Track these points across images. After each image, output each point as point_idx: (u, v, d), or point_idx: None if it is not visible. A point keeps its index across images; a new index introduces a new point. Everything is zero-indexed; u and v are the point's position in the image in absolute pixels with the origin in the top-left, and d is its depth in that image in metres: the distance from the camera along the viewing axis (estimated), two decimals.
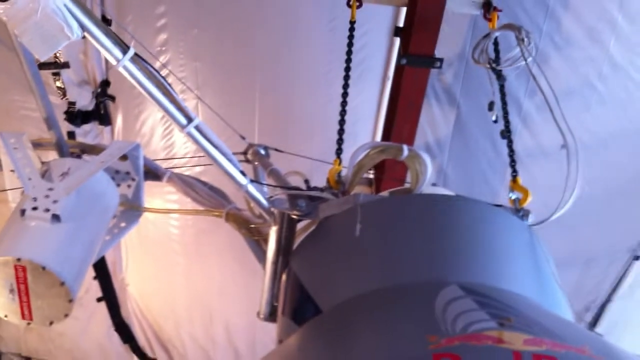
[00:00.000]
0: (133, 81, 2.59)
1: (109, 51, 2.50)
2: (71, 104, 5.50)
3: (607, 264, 7.08)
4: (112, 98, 5.63)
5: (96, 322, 7.39)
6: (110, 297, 7.13)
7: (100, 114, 5.66)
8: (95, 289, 7.07)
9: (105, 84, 5.54)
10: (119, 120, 5.83)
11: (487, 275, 2.52)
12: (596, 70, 5.48)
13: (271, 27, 5.34)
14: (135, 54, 2.56)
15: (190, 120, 2.74)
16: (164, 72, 5.14)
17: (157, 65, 5.09)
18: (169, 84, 2.68)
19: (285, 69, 5.59)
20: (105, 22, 4.99)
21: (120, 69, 2.53)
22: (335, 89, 5.43)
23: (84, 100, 5.58)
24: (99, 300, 7.06)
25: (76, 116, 5.52)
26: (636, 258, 6.98)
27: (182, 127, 2.74)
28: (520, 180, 3.46)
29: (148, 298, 7.35)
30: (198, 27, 5.30)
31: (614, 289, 7.29)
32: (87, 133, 5.75)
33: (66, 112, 5.48)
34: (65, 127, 5.55)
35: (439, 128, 5.83)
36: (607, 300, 7.38)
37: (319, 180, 4.15)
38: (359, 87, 5.30)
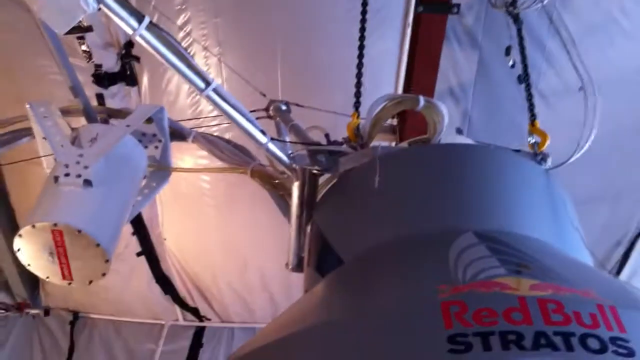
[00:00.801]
0: (150, 49, 2.67)
1: (125, 21, 2.57)
2: (98, 66, 5.60)
3: (637, 199, 7.05)
4: (137, 58, 5.71)
5: (137, 276, 7.65)
6: (149, 251, 7.41)
7: (127, 75, 5.76)
8: (134, 244, 7.34)
9: (129, 45, 5.62)
10: (145, 80, 5.91)
11: (503, 221, 2.59)
12: (619, 5, 5.37)
13: None
14: (151, 22, 2.62)
15: (208, 84, 2.83)
16: (186, 34, 5.32)
17: (179, 23, 5.25)
18: (186, 50, 2.75)
19: (306, 23, 5.58)
20: None
21: (137, 38, 2.61)
22: (355, 39, 5.45)
23: (110, 62, 5.67)
24: (138, 254, 7.34)
25: (103, 78, 5.63)
26: None
27: (201, 90, 2.83)
28: (538, 123, 3.47)
29: (185, 250, 7.57)
30: None
31: None
32: (115, 95, 5.86)
33: (93, 75, 5.59)
34: (93, 89, 5.67)
35: (461, 72, 5.79)
36: (639, 234, 7.38)
37: (342, 131, 4.23)
38: (379, 34, 5.27)
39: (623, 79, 5.82)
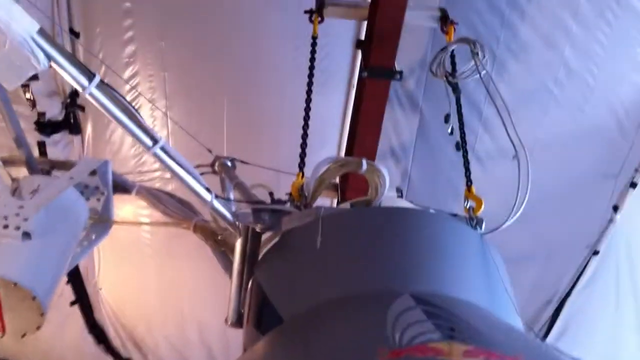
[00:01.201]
0: (99, 106, 2.70)
1: (76, 79, 2.61)
2: (41, 114, 5.55)
3: (567, 258, 7.31)
4: (82, 108, 5.71)
5: (71, 325, 7.46)
6: (83, 300, 7.24)
7: (70, 124, 5.73)
8: (68, 293, 7.16)
9: (75, 94, 5.61)
10: (88, 129, 5.90)
11: (439, 284, 2.69)
12: (552, 75, 5.69)
13: (238, 39, 5.46)
14: (101, 81, 2.66)
15: (155, 142, 2.87)
16: (132, 92, 5.36)
17: (127, 76, 5.30)
18: (135, 108, 2.80)
19: (253, 79, 5.71)
20: (73, 34, 5.09)
21: (87, 96, 2.64)
22: (301, 98, 5.60)
23: (54, 111, 5.63)
24: (72, 303, 7.16)
25: (46, 126, 5.58)
26: (595, 253, 7.23)
27: (148, 148, 2.87)
28: (474, 189, 3.62)
29: (121, 300, 7.44)
30: (165, 39, 5.41)
31: (574, 283, 7.53)
32: (57, 143, 5.81)
33: (36, 123, 5.54)
34: (35, 137, 5.61)
35: (402, 133, 6.01)
36: (568, 294, 7.62)
37: (286, 186, 4.30)
38: (324, 94, 5.43)
39: (554, 144, 6.13)
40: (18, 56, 2.48)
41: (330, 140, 6.15)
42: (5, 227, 3.03)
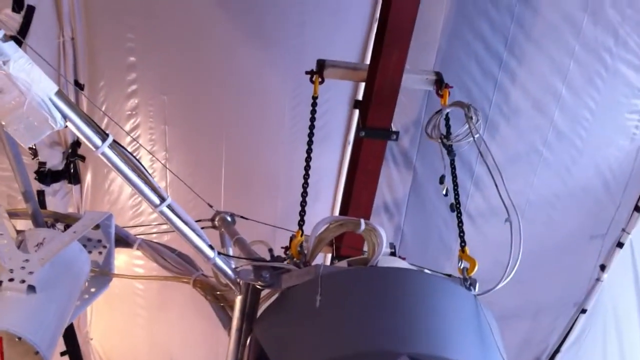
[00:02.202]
0: (110, 165, 2.78)
1: (89, 139, 2.68)
2: (42, 164, 5.63)
3: (555, 316, 7.40)
4: (82, 158, 5.80)
5: None
6: (73, 350, 7.18)
7: (70, 173, 5.81)
8: (59, 342, 7.09)
9: (76, 144, 5.71)
10: (88, 179, 5.98)
11: (436, 346, 2.76)
12: (542, 138, 5.87)
13: (238, 94, 5.61)
14: (114, 141, 2.75)
15: (163, 199, 2.94)
16: (133, 143, 5.46)
17: (129, 128, 5.41)
18: (144, 167, 2.88)
19: (251, 133, 5.86)
20: (78, 86, 5.21)
21: (99, 155, 2.73)
22: (298, 154, 5.73)
23: (55, 160, 5.72)
24: (62, 354, 7.10)
25: (46, 175, 5.66)
26: (583, 311, 7.31)
27: (155, 206, 2.93)
28: (468, 250, 3.70)
29: (111, 351, 7.38)
30: (167, 93, 5.55)
31: (562, 340, 7.59)
32: (57, 192, 5.87)
33: (37, 172, 5.61)
34: (35, 186, 5.68)
35: (396, 189, 6.14)
36: (556, 351, 7.67)
37: (283, 240, 4.38)
38: (321, 150, 5.52)
39: (543, 204, 6.28)
40: (36, 116, 2.56)
41: (325, 195, 6.26)
42: (11, 280, 3.06)
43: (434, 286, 3.12)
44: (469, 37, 5.39)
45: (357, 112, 5.72)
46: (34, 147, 5.51)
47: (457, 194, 3.96)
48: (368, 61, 5.31)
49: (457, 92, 4.74)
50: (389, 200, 6.20)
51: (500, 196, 3.52)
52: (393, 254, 4.57)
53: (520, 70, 5.51)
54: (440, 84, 4.60)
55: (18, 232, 3.50)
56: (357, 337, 2.78)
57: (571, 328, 7.44)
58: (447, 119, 4.31)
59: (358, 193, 4.76)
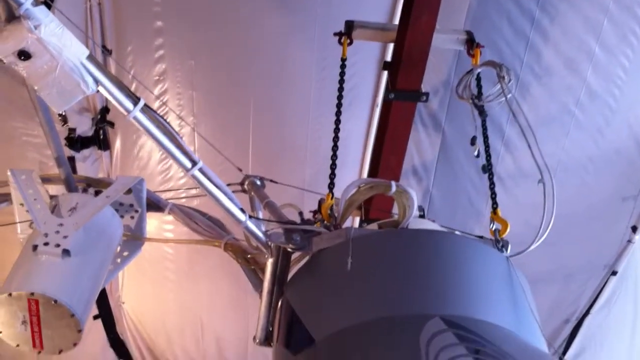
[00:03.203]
0: (142, 129, 2.78)
1: (121, 103, 2.68)
2: (71, 130, 5.68)
3: (586, 279, 7.37)
4: (111, 124, 5.83)
5: (92, 339, 7.53)
6: (105, 314, 7.33)
7: (100, 139, 5.85)
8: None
9: (105, 110, 5.74)
10: (117, 145, 6.03)
11: (468, 308, 2.74)
12: (574, 98, 5.76)
13: (265, 60, 5.57)
14: (145, 105, 2.75)
15: (194, 163, 2.95)
16: (162, 109, 5.48)
17: (157, 93, 5.41)
18: (176, 131, 2.88)
19: (278, 98, 5.83)
20: (106, 51, 5.21)
21: (131, 119, 2.73)
22: (325, 117, 5.69)
23: (84, 127, 5.77)
24: (95, 317, 7.25)
25: (76, 142, 5.71)
26: (613, 273, 7.26)
27: (187, 170, 2.94)
28: (500, 211, 3.66)
29: (142, 315, 7.52)
30: (194, 58, 5.53)
31: (592, 303, 7.57)
32: (87, 158, 5.93)
33: (66, 138, 5.66)
34: (65, 152, 5.73)
35: (425, 152, 6.09)
36: (586, 313, 7.66)
37: (310, 204, 4.38)
38: (349, 114, 5.53)
39: (575, 166, 6.19)
40: (68, 81, 2.56)
41: (352, 159, 6.23)
42: (46, 244, 3.10)
43: (466, 248, 3.10)
44: None
45: (385, 74, 5.66)
46: (63, 113, 5.56)
47: (488, 155, 3.90)
48: (397, 21, 5.26)
49: (487, 52, 4.65)
50: (417, 163, 6.16)
51: (534, 157, 3.47)
52: (422, 217, 4.54)
53: (552, 29, 5.39)
54: (471, 43, 4.50)
55: (51, 197, 3.54)
56: (389, 300, 2.77)
57: (601, 290, 7.41)
58: (478, 79, 4.23)
59: (387, 156, 4.73)
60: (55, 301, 2.97)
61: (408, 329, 2.50)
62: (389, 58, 5.43)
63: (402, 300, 2.75)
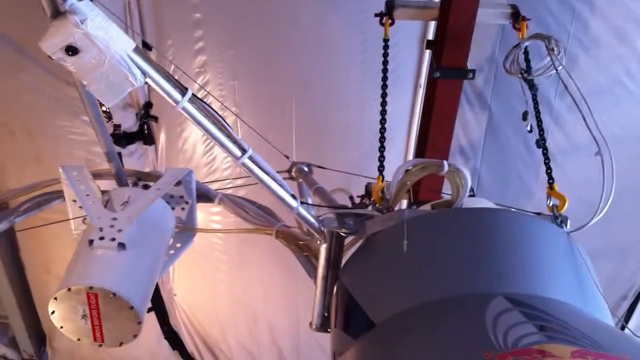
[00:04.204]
0: (191, 120, 2.77)
1: (169, 94, 2.67)
2: (116, 126, 5.75)
3: None
4: (155, 118, 5.88)
5: (146, 331, 7.54)
6: (159, 306, 7.43)
7: (144, 134, 5.91)
8: None
9: (148, 105, 5.78)
10: (162, 139, 6.07)
11: (531, 285, 2.67)
12: (624, 68, 5.59)
13: (305, 45, 5.55)
14: (193, 95, 2.73)
15: (244, 151, 2.92)
16: (201, 94, 5.49)
17: (195, 86, 5.43)
18: (225, 120, 2.85)
19: (320, 83, 5.79)
20: (145, 47, 5.23)
21: (180, 110, 2.71)
22: (368, 100, 5.64)
23: (129, 122, 5.83)
24: (148, 310, 7.33)
25: (122, 138, 5.77)
26: None
27: (237, 158, 2.92)
28: (557, 186, 3.56)
29: (194, 306, 7.60)
30: (234, 47, 5.53)
31: None
32: (132, 153, 6.00)
33: (112, 134, 5.72)
34: None
35: (471, 131, 5.98)
36: None
37: (356, 188, 4.34)
38: (392, 95, 5.36)
39: (627, 138, 6.01)
40: (116, 74, 2.56)
41: (397, 141, 6.17)
42: (101, 238, 3.12)
43: (526, 224, 3.02)
44: None
45: (427, 53, 5.56)
46: (108, 110, 5.61)
47: (541, 130, 3.80)
48: None
49: (532, 25, 4.50)
50: (464, 143, 6.06)
51: (589, 129, 3.36)
52: (472, 197, 4.46)
53: None
54: (516, 17, 4.39)
55: (102, 192, 3.57)
56: (450, 280, 2.72)
57: None
58: (526, 52, 4.12)
59: (435, 136, 4.65)
60: (114, 294, 2.99)
61: (472, 309, 2.44)
62: (430, 36, 5.33)
63: (464, 280, 2.69)
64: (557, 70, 3.85)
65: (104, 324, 3.11)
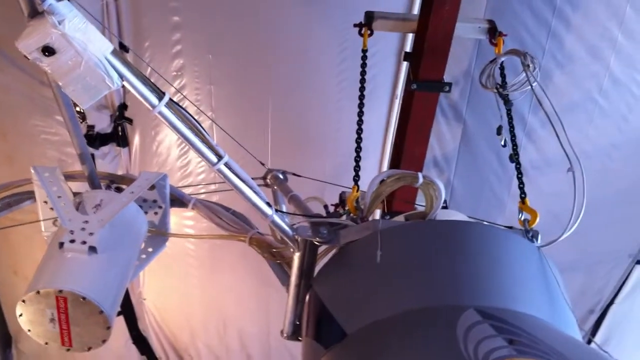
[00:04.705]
0: (167, 124, 2.75)
1: (146, 98, 2.65)
2: (90, 127, 5.68)
3: (610, 268, 7.30)
4: (130, 120, 5.83)
5: (114, 335, 7.45)
6: (127, 311, 7.35)
7: (118, 136, 5.86)
8: None
9: (123, 107, 5.73)
10: (136, 141, 6.02)
11: (502, 299, 2.70)
12: (597, 85, 5.68)
13: (284, 53, 5.55)
14: (170, 99, 2.72)
15: (220, 157, 2.91)
16: (177, 98, 5.46)
17: (172, 90, 5.40)
18: (201, 125, 2.84)
19: (297, 90, 5.79)
20: (122, 49, 5.19)
21: (156, 114, 2.70)
22: (344, 110, 5.66)
23: (103, 124, 5.77)
24: (117, 314, 7.26)
25: (95, 139, 5.71)
26: (638, 262, 7.19)
27: (212, 164, 2.91)
28: (529, 201, 3.61)
29: (164, 310, 7.54)
30: (212, 52, 5.51)
31: (617, 292, 7.49)
32: (106, 155, 5.94)
33: (85, 135, 5.65)
34: None
35: (446, 143, 6.04)
36: (610, 302, 7.59)
37: (331, 197, 4.34)
38: (368, 105, 5.41)
39: (599, 153, 6.11)
40: (93, 76, 2.54)
41: (372, 150, 6.19)
42: (72, 241, 3.08)
43: (498, 238, 3.06)
44: None
45: (404, 64, 5.61)
46: (82, 110, 5.55)
47: (515, 145, 3.85)
48: (416, 12, 5.20)
49: (508, 39, 4.57)
50: (438, 154, 6.11)
51: (562, 145, 3.42)
52: (445, 208, 4.50)
53: (574, 16, 5.31)
54: (493, 32, 4.46)
55: (75, 194, 3.52)
56: (422, 292, 2.74)
57: (626, 280, 7.32)
58: (502, 68, 4.18)
59: (410, 148, 4.68)
60: (84, 298, 2.96)
61: (443, 321, 2.46)
62: (408, 48, 5.38)
63: (435, 292, 2.72)
64: (532, 86, 3.90)
65: (72, 328, 3.08)
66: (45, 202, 3.54)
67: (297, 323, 3.54)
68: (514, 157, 3.80)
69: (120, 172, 6.04)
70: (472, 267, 2.84)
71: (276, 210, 3.22)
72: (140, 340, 7.74)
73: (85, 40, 2.45)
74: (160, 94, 2.68)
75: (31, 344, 8.05)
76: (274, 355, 7.59)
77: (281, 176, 4.27)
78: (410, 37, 5.24)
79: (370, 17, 4.45)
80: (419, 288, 2.76)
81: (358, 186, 3.51)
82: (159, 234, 3.84)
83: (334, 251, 3.30)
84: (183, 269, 6.98)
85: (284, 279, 3.62)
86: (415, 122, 4.55)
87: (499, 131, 4.00)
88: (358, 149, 3.76)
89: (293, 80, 5.74)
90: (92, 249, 3.09)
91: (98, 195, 3.50)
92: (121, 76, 2.59)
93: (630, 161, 6.27)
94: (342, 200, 4.28)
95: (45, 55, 2.44)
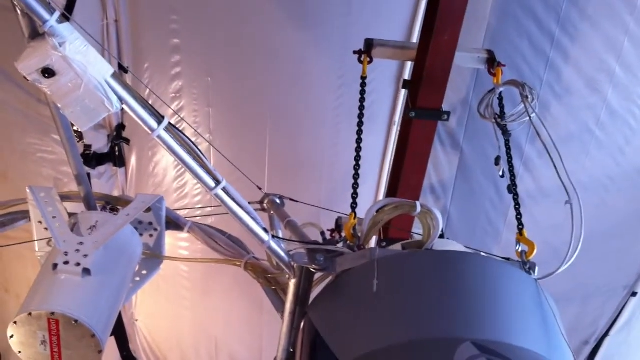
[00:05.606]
0: (166, 148, 2.74)
1: (145, 122, 2.63)
2: (87, 147, 5.66)
3: (605, 300, 7.27)
4: (127, 141, 5.82)
5: (105, 355, 7.37)
6: (119, 331, 7.27)
7: (115, 156, 5.84)
8: None
9: (121, 127, 5.72)
10: (132, 162, 6.00)
11: (499, 332, 2.67)
12: (595, 117, 5.71)
13: (282, 77, 5.57)
14: (169, 123, 2.71)
15: (218, 182, 2.90)
16: (175, 120, 5.46)
17: (170, 112, 5.40)
18: (200, 149, 2.83)
19: (295, 115, 5.81)
20: (121, 69, 5.20)
21: (155, 138, 2.68)
22: (341, 137, 5.67)
23: (100, 143, 5.75)
24: None
25: (92, 158, 5.69)
26: (633, 294, 7.16)
27: (210, 189, 2.89)
28: (526, 232, 3.60)
29: (156, 332, 7.47)
30: (211, 75, 5.52)
31: (612, 324, 7.46)
32: (102, 175, 5.91)
33: (82, 155, 5.62)
34: None
35: (443, 171, 6.04)
36: (605, 334, 7.56)
37: (327, 222, 4.32)
38: (366, 131, 5.43)
39: (595, 185, 6.12)
40: (92, 99, 2.53)
41: (369, 177, 6.19)
42: (66, 263, 3.06)
43: (495, 270, 3.04)
44: (519, 14, 5.24)
45: (403, 92, 5.64)
46: (79, 130, 5.54)
47: (513, 175, 3.85)
48: (415, 40, 5.23)
49: (507, 70, 4.60)
50: (435, 182, 6.12)
51: (560, 177, 3.41)
52: (441, 237, 4.48)
53: (573, 48, 5.36)
54: (492, 62, 4.48)
55: (70, 215, 3.50)
56: (418, 323, 2.71)
57: (621, 311, 7.30)
58: (500, 98, 4.19)
59: (407, 175, 4.69)
60: (76, 321, 2.93)
61: (440, 354, 2.44)
62: (406, 76, 5.41)
63: (432, 324, 2.69)
64: (530, 117, 3.91)
65: (63, 351, 3.04)
66: (40, 222, 3.52)
67: (292, 350, 3.51)
68: (512, 189, 3.79)
69: (116, 192, 6.05)
70: (469, 299, 2.82)
71: (273, 236, 3.20)
72: None
73: (85, 62, 2.45)
74: (159, 118, 2.67)
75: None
76: None
77: (278, 201, 4.26)
78: (409, 64, 5.26)
79: (369, 44, 4.47)
80: (415, 319, 2.73)
81: (355, 213, 3.50)
82: (154, 257, 3.81)
83: (330, 278, 3.28)
84: (176, 291, 6.93)
85: (279, 306, 3.59)
86: (413, 149, 4.55)
87: (497, 162, 4.00)
88: (356, 176, 3.75)
89: (291, 105, 5.75)
90: (86, 271, 3.07)
91: (93, 216, 3.49)
92: (121, 99, 2.58)
93: (626, 194, 6.28)
94: (339, 226, 4.26)
95: (45, 77, 2.43)
